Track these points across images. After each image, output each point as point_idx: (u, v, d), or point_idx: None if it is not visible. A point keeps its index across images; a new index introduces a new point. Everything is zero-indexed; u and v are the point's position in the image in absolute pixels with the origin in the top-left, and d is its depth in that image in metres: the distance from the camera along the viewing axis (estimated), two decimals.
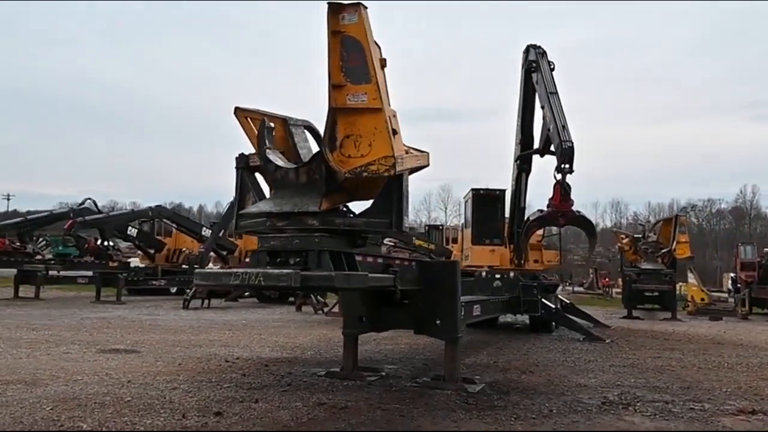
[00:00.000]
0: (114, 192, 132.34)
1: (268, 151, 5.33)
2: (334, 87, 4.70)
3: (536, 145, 13.99)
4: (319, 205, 4.93)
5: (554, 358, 9.85)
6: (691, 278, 24.36)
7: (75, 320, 13.90)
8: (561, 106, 13.03)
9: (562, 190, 12.35)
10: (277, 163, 5.25)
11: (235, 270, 5.70)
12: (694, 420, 5.80)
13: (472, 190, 15.03)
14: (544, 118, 13.23)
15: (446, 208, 76.41)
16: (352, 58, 4.67)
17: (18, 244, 21.09)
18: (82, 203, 23.22)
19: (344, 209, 5.59)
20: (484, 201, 14.86)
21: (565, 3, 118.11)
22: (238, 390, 6.52)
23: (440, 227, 27.66)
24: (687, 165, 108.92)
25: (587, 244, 17.62)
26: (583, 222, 14.45)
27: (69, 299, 21.33)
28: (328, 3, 4.65)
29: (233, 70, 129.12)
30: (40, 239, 24.53)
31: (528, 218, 14.10)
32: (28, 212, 26.73)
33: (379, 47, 5.63)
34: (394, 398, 6.37)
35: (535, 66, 13.81)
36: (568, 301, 16.14)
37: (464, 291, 13.51)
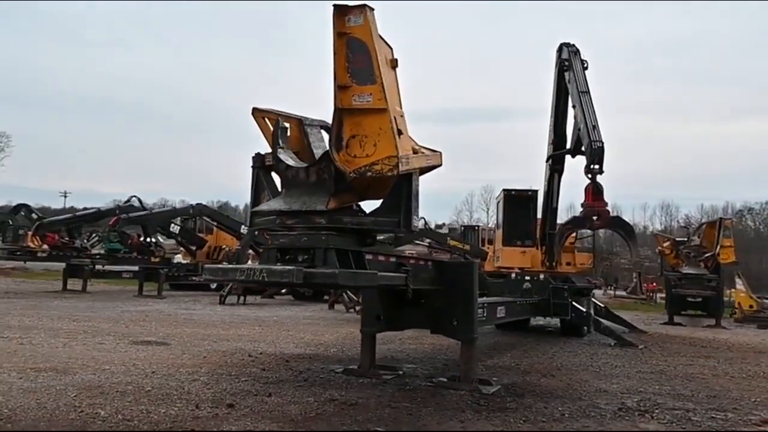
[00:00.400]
0: (165, 190, 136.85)
1: (279, 150, 5.46)
2: (340, 88, 4.78)
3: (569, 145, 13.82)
4: (327, 203, 5.02)
5: (580, 362, 9.67)
6: (739, 284, 23.37)
7: (115, 313, 14.46)
8: (592, 105, 12.81)
9: (594, 189, 12.11)
10: (288, 162, 5.37)
11: (241, 266, 5.85)
12: (712, 429, 5.61)
13: (504, 190, 14.90)
14: (575, 118, 13.05)
15: (488, 209, 75.65)
16: (357, 59, 4.74)
17: (67, 239, 22.03)
18: (128, 200, 24.11)
19: (355, 208, 5.67)
20: (516, 202, 14.73)
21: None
22: (255, 384, 6.69)
23: (476, 228, 27.45)
24: (744, 166, 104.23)
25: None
26: (619, 223, 14.17)
27: (114, 293, 22.16)
28: (334, 5, 4.73)
29: (284, 72, 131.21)
30: (93, 235, 25.63)
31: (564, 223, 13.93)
32: (84, 209, 27.81)
33: (391, 48, 5.69)
34: (405, 397, 6.41)
35: (568, 65, 13.62)
36: (602, 305, 15.76)
37: (494, 292, 13.58)
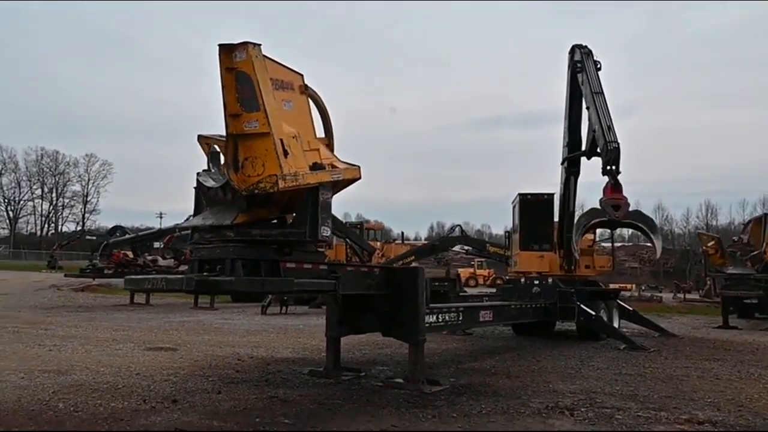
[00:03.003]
0: None
1: (199, 173, 6.19)
2: (232, 116, 5.41)
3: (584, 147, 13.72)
4: (234, 218, 5.65)
5: (565, 364, 9.67)
6: None
7: (158, 323, 15.81)
8: (606, 106, 12.77)
9: (612, 182, 12.05)
10: (206, 184, 6.07)
11: (149, 276, 6.58)
12: (620, 426, 5.69)
13: (519, 194, 14.92)
14: (589, 119, 13.01)
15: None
16: (244, 89, 5.35)
17: (131, 256, 24.11)
18: (187, 219, 25.97)
19: (276, 221, 6.27)
20: (532, 206, 14.75)
21: None
22: (216, 383, 7.41)
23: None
24: None
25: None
26: (639, 217, 13.64)
27: (175, 305, 23.91)
28: (220, 44, 5.39)
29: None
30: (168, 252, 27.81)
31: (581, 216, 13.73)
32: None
33: (302, 75, 6.29)
34: (346, 395, 6.89)
35: (581, 66, 13.63)
36: (631, 309, 15.30)
37: (505, 297, 13.67)
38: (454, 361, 9.91)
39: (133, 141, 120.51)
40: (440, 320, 8.49)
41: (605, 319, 13.28)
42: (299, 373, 8.23)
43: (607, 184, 12.28)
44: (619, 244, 76.20)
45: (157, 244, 26.24)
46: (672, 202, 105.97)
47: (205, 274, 5.82)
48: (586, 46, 13.99)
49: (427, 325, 7.95)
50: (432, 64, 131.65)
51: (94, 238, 28.74)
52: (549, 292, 12.90)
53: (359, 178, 6.59)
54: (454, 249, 26.08)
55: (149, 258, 25.30)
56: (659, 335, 14.51)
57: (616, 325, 14.00)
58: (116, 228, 26.98)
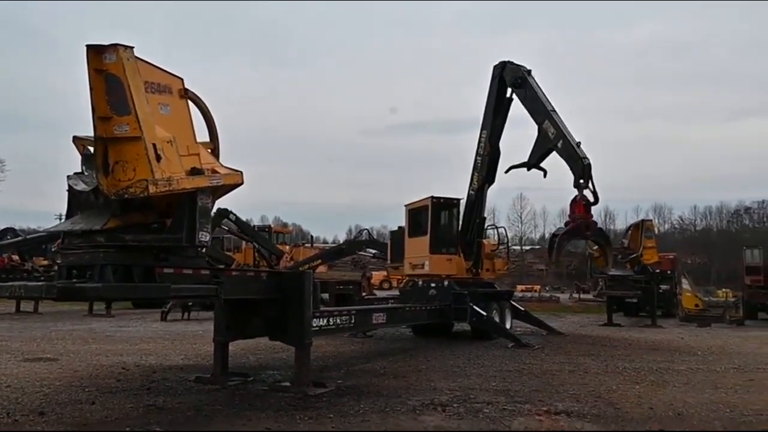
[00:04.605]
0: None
1: (69, 176, 6.02)
2: (101, 119, 5.32)
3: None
4: (104, 223, 5.55)
5: (452, 363, 10.12)
6: (685, 284, 23.82)
7: (43, 332, 14.89)
8: (564, 124, 13.53)
9: (585, 203, 13.20)
10: (76, 187, 5.91)
11: (6, 284, 6.35)
12: (485, 419, 6.09)
13: (432, 198, 14.99)
14: (543, 134, 13.69)
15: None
16: (114, 92, 5.28)
17: (18, 261, 22.54)
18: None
19: (155, 226, 6.19)
20: (443, 210, 14.98)
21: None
22: (93, 393, 7.17)
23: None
24: (740, 167, 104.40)
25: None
26: (601, 235, 15.15)
27: (67, 313, 22.56)
28: (88, 45, 5.29)
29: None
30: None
31: (556, 233, 14.91)
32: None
33: (181, 79, 6.26)
34: (227, 400, 6.89)
35: (521, 81, 14.28)
36: (523, 309, 16.21)
37: (404, 299, 14.05)
38: (346, 363, 10.11)
39: (30, 136, 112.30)
40: (330, 323, 8.65)
41: (497, 319, 14.00)
42: (185, 381, 8.10)
43: (578, 198, 13.30)
44: (528, 247, 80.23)
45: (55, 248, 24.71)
46: None
47: (74, 280, 5.65)
48: (519, 65, 14.65)
49: (316, 328, 8.09)
50: (360, 66, 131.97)
51: None
52: (444, 294, 13.42)
53: (241, 184, 6.63)
54: (362, 253, 26.42)
55: (44, 262, 23.65)
56: (547, 333, 15.47)
57: (508, 324, 14.77)
58: (7, 230, 25.02)
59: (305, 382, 7.46)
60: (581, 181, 12.98)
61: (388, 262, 17.64)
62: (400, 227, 17.35)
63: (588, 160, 13.00)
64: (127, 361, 9.86)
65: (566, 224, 14.56)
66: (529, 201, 76.72)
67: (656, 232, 40.52)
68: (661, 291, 22.59)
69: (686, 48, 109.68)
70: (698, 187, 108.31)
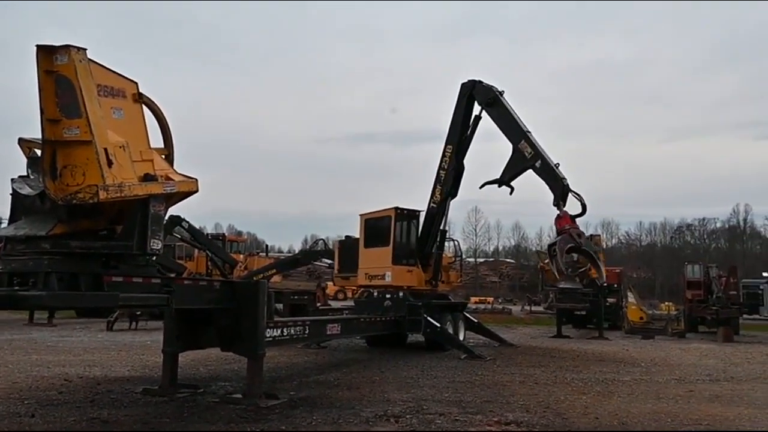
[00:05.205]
0: None
1: (14, 180, 5.80)
2: (50, 121, 5.16)
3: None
4: (49, 229, 5.36)
5: (406, 374, 10.15)
6: (631, 297, 24.70)
7: None
8: (539, 144, 13.92)
9: (570, 216, 13.67)
10: (21, 191, 5.69)
11: None
12: (437, 430, 6.14)
13: (396, 209, 14.84)
14: (520, 154, 13.97)
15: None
16: (65, 95, 5.14)
17: None
18: None
19: (104, 232, 6.02)
20: (406, 221, 14.96)
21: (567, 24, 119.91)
22: (32, 406, 6.87)
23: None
24: (681, 185, 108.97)
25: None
26: (590, 245, 15.34)
27: (5, 321, 21.49)
28: (38, 45, 5.14)
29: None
30: None
31: (553, 243, 14.69)
32: None
33: (136, 83, 6.14)
34: (176, 413, 6.71)
35: (492, 101, 14.58)
36: (476, 321, 16.44)
37: (359, 310, 14.02)
38: (299, 374, 10.01)
39: None
40: (284, 334, 8.57)
41: (451, 330, 14.13)
42: (132, 393, 7.86)
43: (564, 213, 13.66)
44: (482, 260, 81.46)
45: None
46: (527, 222, 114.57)
47: (16, 288, 5.42)
48: (492, 86, 14.91)
49: (269, 338, 7.99)
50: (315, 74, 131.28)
51: None
52: (399, 306, 13.47)
53: (196, 191, 6.52)
54: (317, 263, 26.28)
55: None
56: (499, 345, 15.72)
57: (461, 336, 14.94)
58: None
59: (257, 394, 7.35)
60: (561, 202, 13.54)
61: (336, 272, 17.22)
62: (347, 236, 17.28)
63: (566, 180, 13.57)
64: (69, 373, 9.49)
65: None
66: (483, 214, 77.51)
67: (604, 246, 42.14)
68: (608, 304, 23.37)
69: (623, 68, 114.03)
70: (644, 203, 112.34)
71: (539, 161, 13.71)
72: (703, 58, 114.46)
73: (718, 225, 76.67)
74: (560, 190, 13.49)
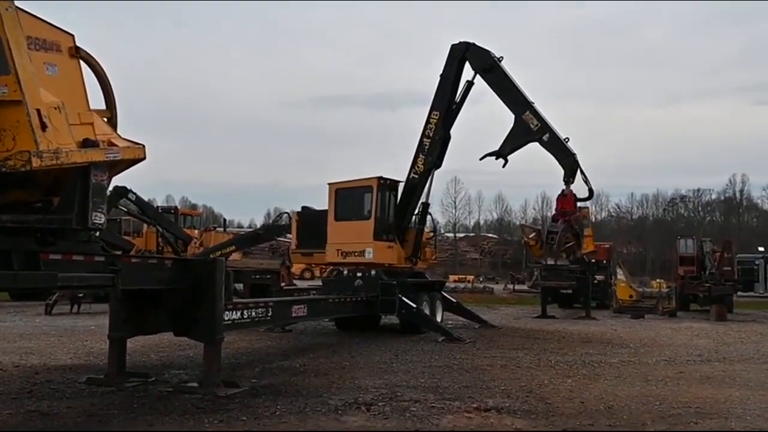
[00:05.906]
0: None
1: None
2: None
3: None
4: None
5: (378, 359, 10.28)
6: (620, 274, 25.28)
7: None
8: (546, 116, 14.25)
9: (575, 198, 14.54)
10: None
11: None
12: (412, 418, 6.25)
13: (380, 178, 14.50)
14: (524, 126, 14.23)
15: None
16: None
17: None
18: None
19: (39, 205, 5.89)
20: (389, 192, 14.79)
21: None
22: None
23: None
24: (675, 153, 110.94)
25: None
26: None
27: None
28: None
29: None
30: None
31: (554, 231, 15.66)
32: None
33: (72, 35, 5.95)
34: (124, 404, 6.70)
35: (490, 66, 14.60)
36: (454, 301, 16.70)
37: (328, 290, 14.07)
38: (262, 360, 10.06)
39: None
40: (244, 316, 8.55)
41: (427, 311, 14.29)
42: (74, 382, 7.81)
43: (568, 193, 14.47)
44: (462, 235, 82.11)
45: None
46: (511, 194, 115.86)
47: None
48: (488, 50, 14.88)
49: (228, 322, 7.99)
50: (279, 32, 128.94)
51: None
52: (371, 285, 13.55)
53: (143, 159, 6.39)
54: (281, 239, 26.20)
55: None
56: (480, 326, 16.01)
57: (439, 317, 15.15)
58: None
59: (215, 382, 7.36)
60: (570, 178, 14.08)
61: (293, 247, 16.59)
62: (305, 207, 16.77)
63: (575, 155, 14.02)
64: (3, 361, 9.38)
65: (554, 218, 16.02)
66: (463, 185, 77.29)
67: (593, 220, 42.87)
68: (596, 282, 23.93)
69: (620, 29, 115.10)
70: (636, 173, 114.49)
71: (547, 134, 14.07)
72: (704, 16, 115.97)
73: (714, 197, 78.34)
74: (570, 166, 13.97)
